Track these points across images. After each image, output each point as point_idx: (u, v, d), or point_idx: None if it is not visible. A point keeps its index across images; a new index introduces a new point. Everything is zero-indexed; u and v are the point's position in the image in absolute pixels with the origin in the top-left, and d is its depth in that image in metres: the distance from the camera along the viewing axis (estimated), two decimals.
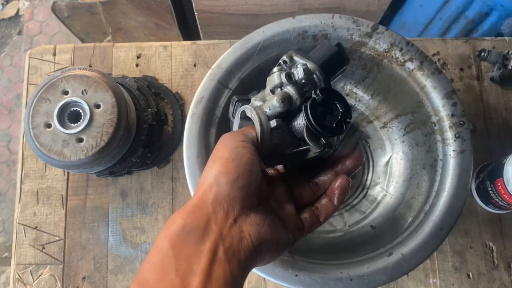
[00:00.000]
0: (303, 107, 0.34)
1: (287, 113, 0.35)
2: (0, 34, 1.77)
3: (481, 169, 0.61)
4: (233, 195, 0.30)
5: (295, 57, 0.38)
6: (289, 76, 0.36)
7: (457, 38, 0.67)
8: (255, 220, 0.31)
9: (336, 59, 0.39)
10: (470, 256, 0.60)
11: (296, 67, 0.37)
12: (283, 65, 0.38)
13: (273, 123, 0.35)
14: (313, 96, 0.34)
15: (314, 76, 0.37)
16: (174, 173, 0.62)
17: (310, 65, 0.37)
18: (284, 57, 0.38)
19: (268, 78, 0.37)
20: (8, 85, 1.70)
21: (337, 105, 0.35)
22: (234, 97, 0.40)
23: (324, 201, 0.37)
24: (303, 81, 0.36)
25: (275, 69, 0.37)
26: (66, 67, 0.66)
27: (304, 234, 0.36)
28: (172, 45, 0.66)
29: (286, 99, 0.35)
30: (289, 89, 0.35)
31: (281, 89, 0.36)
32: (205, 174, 0.32)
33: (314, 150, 0.35)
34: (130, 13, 1.10)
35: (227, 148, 0.32)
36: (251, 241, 0.30)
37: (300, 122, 0.35)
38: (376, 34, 0.52)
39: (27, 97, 0.65)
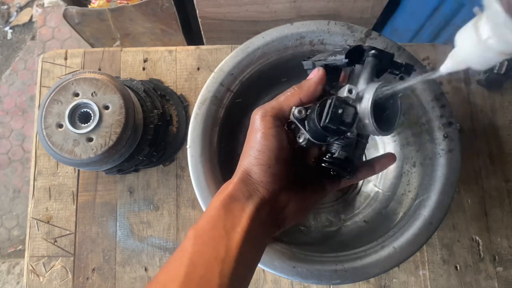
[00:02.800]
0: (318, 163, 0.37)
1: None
2: (15, 39, 1.77)
3: None
4: (266, 180, 0.34)
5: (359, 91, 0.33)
6: (350, 91, 0.33)
7: (446, 44, 0.67)
8: (282, 200, 0.36)
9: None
10: (457, 249, 0.60)
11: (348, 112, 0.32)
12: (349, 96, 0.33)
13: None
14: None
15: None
16: (178, 170, 0.62)
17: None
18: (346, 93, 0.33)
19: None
20: (22, 87, 1.70)
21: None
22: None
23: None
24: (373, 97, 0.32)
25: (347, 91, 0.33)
26: (77, 70, 0.65)
27: (324, 196, 0.40)
28: (177, 50, 0.66)
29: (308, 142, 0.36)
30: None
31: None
32: (242, 157, 0.36)
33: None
34: (138, 19, 1.10)
35: (260, 137, 0.34)
36: (277, 216, 0.36)
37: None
38: (370, 40, 0.52)
39: (40, 99, 0.64)
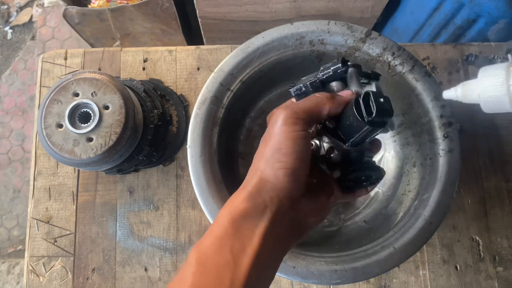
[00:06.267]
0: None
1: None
2: (15, 39, 1.77)
3: None
4: (289, 187, 0.31)
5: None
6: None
7: (446, 43, 0.67)
8: (304, 207, 0.33)
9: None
10: (457, 249, 0.60)
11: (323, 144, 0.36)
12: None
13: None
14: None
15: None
16: (178, 170, 0.62)
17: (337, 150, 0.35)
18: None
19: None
20: (22, 87, 1.70)
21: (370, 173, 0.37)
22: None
23: None
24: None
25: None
26: (77, 70, 0.65)
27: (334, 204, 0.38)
28: (177, 50, 0.66)
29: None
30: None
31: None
32: (261, 163, 0.32)
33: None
34: (137, 19, 1.10)
35: (284, 139, 0.31)
36: (298, 225, 0.33)
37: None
38: (370, 40, 0.52)
39: (40, 99, 0.64)
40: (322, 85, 0.36)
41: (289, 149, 0.31)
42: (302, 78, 0.37)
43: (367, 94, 0.32)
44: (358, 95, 0.34)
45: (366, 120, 0.32)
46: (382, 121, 0.32)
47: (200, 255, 0.29)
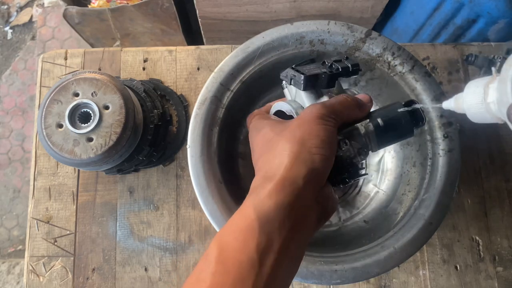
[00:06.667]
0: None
1: None
2: (15, 39, 1.77)
3: None
4: (323, 172, 0.30)
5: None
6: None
7: (446, 43, 0.67)
8: (328, 192, 0.32)
9: (402, 126, 0.35)
10: (457, 249, 0.60)
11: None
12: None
13: None
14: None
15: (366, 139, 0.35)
16: (178, 170, 0.62)
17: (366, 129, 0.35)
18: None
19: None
20: (22, 87, 1.70)
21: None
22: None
23: None
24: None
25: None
26: (77, 70, 0.65)
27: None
28: (177, 50, 0.66)
29: None
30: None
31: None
32: (295, 145, 0.30)
33: None
34: (138, 19, 1.10)
35: (322, 129, 0.31)
36: (326, 212, 0.31)
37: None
38: (370, 40, 0.52)
39: (40, 99, 0.64)
40: (331, 79, 0.36)
41: (327, 138, 0.30)
42: (296, 66, 0.37)
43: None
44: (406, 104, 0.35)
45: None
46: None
47: (221, 252, 0.26)
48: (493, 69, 0.30)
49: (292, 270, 0.28)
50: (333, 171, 0.33)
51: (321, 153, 0.30)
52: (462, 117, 0.34)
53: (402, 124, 0.35)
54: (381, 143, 0.35)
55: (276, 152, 0.30)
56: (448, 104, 0.34)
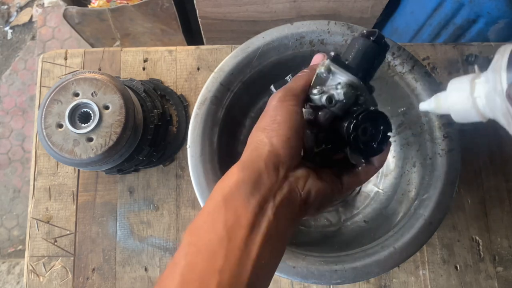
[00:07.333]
0: (346, 131, 0.33)
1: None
2: (15, 39, 1.77)
3: None
4: (283, 153, 0.30)
5: (333, 68, 0.34)
6: (330, 100, 0.33)
7: (446, 44, 0.67)
8: (302, 174, 0.32)
9: (373, 55, 0.34)
10: (457, 249, 0.60)
11: (337, 88, 0.33)
12: (323, 75, 0.34)
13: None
14: (356, 118, 0.32)
15: (357, 90, 0.33)
16: (178, 170, 0.62)
17: (350, 80, 0.33)
18: (322, 69, 0.34)
19: (310, 97, 0.35)
20: (22, 87, 1.70)
21: (380, 124, 0.33)
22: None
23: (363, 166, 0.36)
24: (344, 100, 0.33)
25: (315, 91, 0.34)
26: (77, 70, 0.65)
27: (342, 191, 0.35)
28: (177, 50, 0.66)
29: (329, 118, 0.34)
30: (332, 110, 0.34)
31: (326, 108, 0.34)
32: (257, 133, 0.32)
33: (354, 161, 0.34)
34: (138, 19, 1.10)
35: (279, 111, 0.32)
36: (299, 193, 0.31)
37: (344, 134, 0.34)
38: None
39: (40, 99, 0.64)
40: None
41: (283, 118, 0.32)
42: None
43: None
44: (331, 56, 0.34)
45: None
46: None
47: (192, 236, 0.28)
48: (475, 66, 0.30)
49: (273, 248, 0.28)
50: (332, 138, 0.33)
51: (278, 134, 0.31)
52: None
53: (357, 48, 0.33)
54: (348, 70, 0.33)
55: (247, 142, 0.33)
56: (426, 106, 0.34)
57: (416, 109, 0.52)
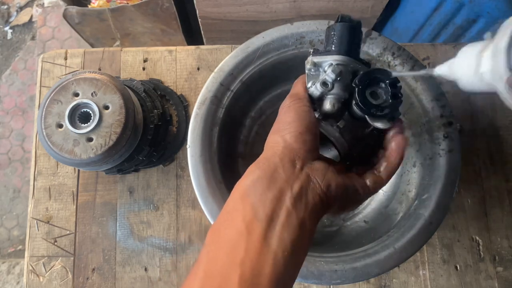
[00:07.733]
0: (355, 103, 0.33)
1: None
2: (15, 39, 1.77)
3: None
4: (298, 147, 0.31)
5: (315, 60, 0.35)
6: (325, 84, 0.34)
7: (446, 44, 0.67)
8: (320, 167, 0.31)
9: (353, 34, 0.35)
10: (457, 249, 0.60)
11: (325, 71, 0.34)
12: (312, 72, 0.35)
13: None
14: (355, 86, 0.33)
15: (348, 67, 0.34)
16: (178, 170, 0.62)
17: (335, 59, 0.34)
18: (308, 66, 0.35)
19: (310, 96, 0.36)
20: (22, 87, 1.70)
21: (382, 80, 0.33)
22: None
23: (383, 164, 0.35)
24: (338, 78, 0.33)
25: (309, 85, 0.35)
26: (77, 70, 0.65)
27: (369, 192, 0.34)
28: (177, 50, 0.66)
29: (336, 103, 0.34)
30: (334, 93, 0.34)
31: (327, 96, 0.34)
32: (271, 136, 0.33)
33: (383, 125, 0.34)
34: (138, 19, 1.10)
35: (289, 113, 0.34)
36: (318, 184, 0.30)
37: (357, 113, 0.34)
38: (370, 40, 0.52)
39: (40, 99, 0.64)
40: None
41: (293, 118, 0.33)
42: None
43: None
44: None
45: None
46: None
47: (213, 235, 0.29)
48: (488, 33, 0.28)
49: (295, 237, 0.28)
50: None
51: (290, 131, 0.32)
52: (462, 118, 0.34)
53: (330, 34, 0.35)
54: (329, 53, 0.34)
55: (264, 148, 0.34)
56: (440, 70, 0.33)
57: (416, 109, 0.52)
